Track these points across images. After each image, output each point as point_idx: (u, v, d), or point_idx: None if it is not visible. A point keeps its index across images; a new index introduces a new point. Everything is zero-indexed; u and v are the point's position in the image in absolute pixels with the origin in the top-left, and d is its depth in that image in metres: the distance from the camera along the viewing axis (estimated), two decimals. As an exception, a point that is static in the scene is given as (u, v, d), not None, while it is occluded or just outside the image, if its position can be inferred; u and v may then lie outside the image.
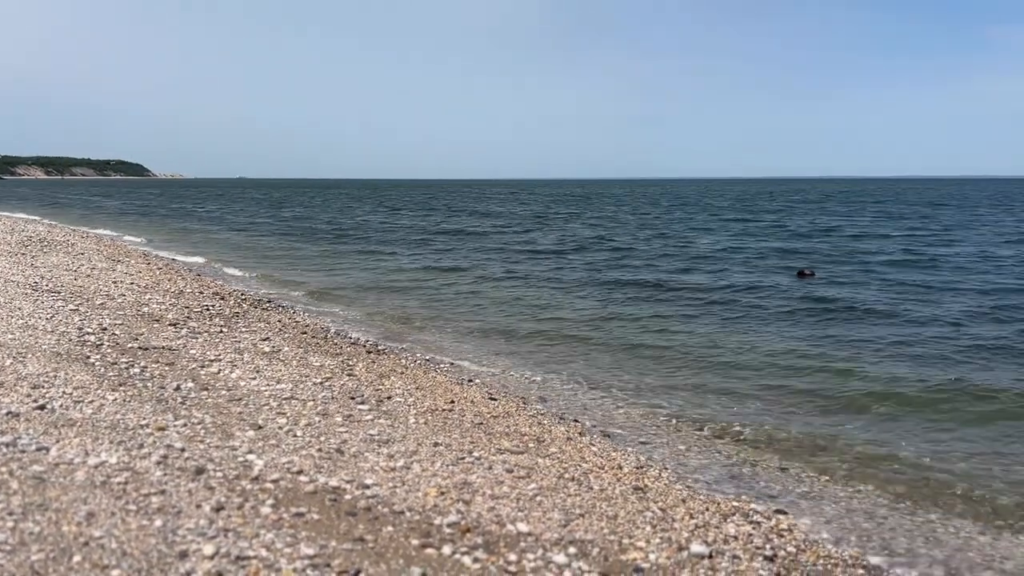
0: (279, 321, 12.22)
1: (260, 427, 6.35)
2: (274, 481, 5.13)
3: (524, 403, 8.88)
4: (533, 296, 17.27)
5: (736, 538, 5.26)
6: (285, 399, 7.36)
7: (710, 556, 4.84)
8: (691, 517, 5.55)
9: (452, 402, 8.22)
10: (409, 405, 7.82)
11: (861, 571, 5.08)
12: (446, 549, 4.42)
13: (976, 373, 10.32)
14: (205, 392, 7.28)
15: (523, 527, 4.88)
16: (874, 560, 5.36)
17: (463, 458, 6.18)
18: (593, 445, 7.29)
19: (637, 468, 6.70)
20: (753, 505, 6.09)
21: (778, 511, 6.04)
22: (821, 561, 5.12)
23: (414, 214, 54.22)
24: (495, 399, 8.76)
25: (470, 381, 9.74)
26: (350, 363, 9.60)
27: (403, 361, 10.37)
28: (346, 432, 6.51)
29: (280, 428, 6.40)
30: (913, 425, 8.32)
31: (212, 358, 8.76)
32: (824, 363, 10.96)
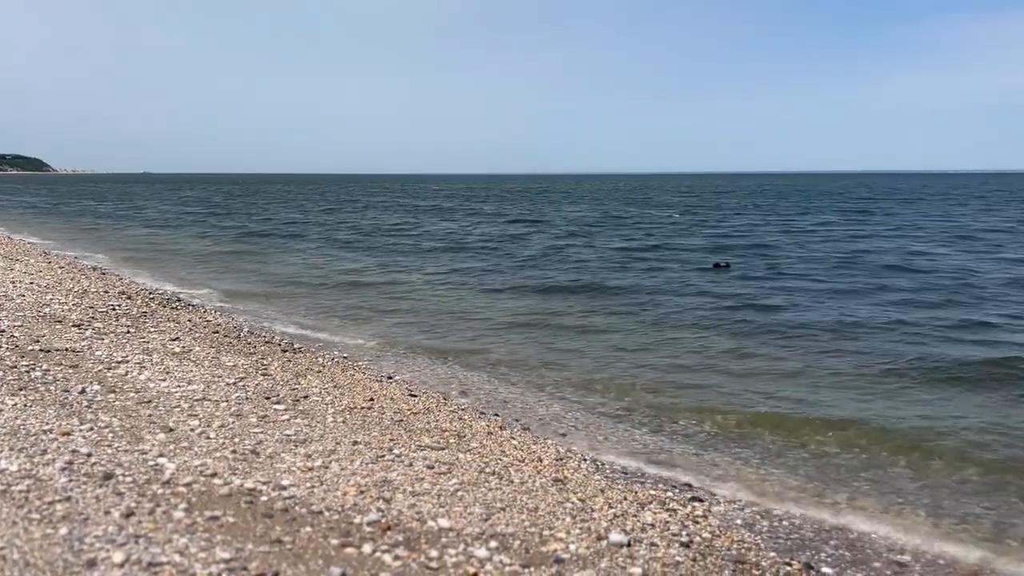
0: (189, 320, 11.87)
1: (171, 430, 6.17)
2: (187, 485, 4.98)
3: (445, 399, 8.85)
4: (453, 293, 17.24)
5: (653, 526, 5.37)
6: (197, 400, 7.16)
7: (628, 544, 4.93)
8: (610, 507, 5.63)
9: (371, 400, 8.14)
10: (327, 404, 7.71)
11: (773, 554, 5.24)
12: (366, 548, 4.38)
13: (879, 360, 10.76)
14: (112, 395, 7.02)
15: (444, 523, 4.88)
16: (785, 542, 5.54)
17: (383, 456, 6.13)
18: (514, 439, 7.32)
19: (557, 460, 6.76)
20: (670, 493, 6.22)
21: (694, 498, 6.18)
22: (735, 545, 5.26)
23: (330, 210, 53.43)
24: (415, 395, 8.71)
25: (390, 378, 9.66)
26: (265, 362, 9.41)
27: (320, 359, 10.21)
28: (262, 433, 6.38)
29: (192, 430, 6.23)
30: (821, 412, 8.61)
31: (119, 359, 8.46)
32: (738, 355, 11.26)
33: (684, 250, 25.26)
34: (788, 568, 5.00)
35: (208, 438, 6.06)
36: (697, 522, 5.62)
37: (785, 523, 5.93)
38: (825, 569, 5.14)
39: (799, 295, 16.28)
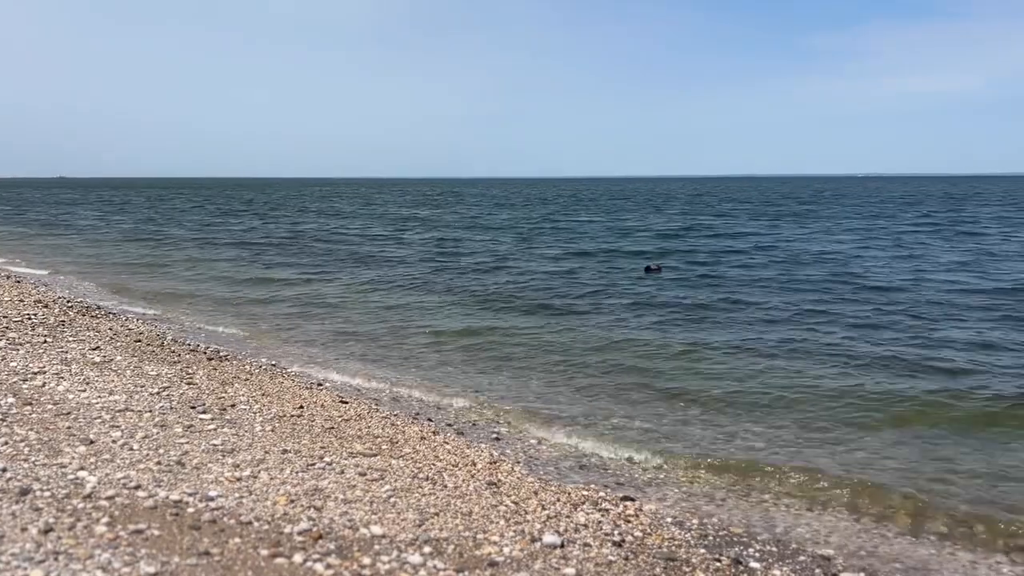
0: (110, 329, 11.51)
1: (92, 442, 5.97)
2: (109, 498, 4.83)
3: (377, 405, 8.78)
4: (385, 300, 17.07)
5: (586, 526, 5.41)
6: (119, 411, 6.94)
7: (562, 545, 4.96)
8: (543, 508, 5.66)
9: (301, 407, 8.01)
10: (255, 412, 7.56)
11: (703, 550, 5.34)
12: (297, 557, 4.31)
13: (804, 362, 11.06)
14: (29, 407, 6.76)
15: (377, 530, 4.83)
16: (714, 539, 5.66)
17: (314, 464, 6.05)
18: (447, 443, 7.30)
19: (491, 463, 6.77)
20: (602, 493, 6.29)
21: (625, 498, 6.26)
22: (666, 543, 5.35)
23: (259, 215, 52.48)
24: (346, 402, 8.61)
25: (320, 385, 9.53)
26: (190, 371, 9.18)
27: (247, 367, 10.01)
28: (187, 443, 6.22)
29: (114, 442, 6.03)
30: (747, 413, 8.80)
31: (35, 370, 8.15)
32: (671, 354, 11.44)
33: (620, 255, 25.45)
34: (718, 564, 5.10)
35: (131, 450, 5.88)
36: (629, 521, 5.69)
37: (714, 519, 6.05)
38: (753, 564, 5.25)
39: (727, 293, 16.61)
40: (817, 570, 5.30)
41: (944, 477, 6.94)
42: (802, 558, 5.47)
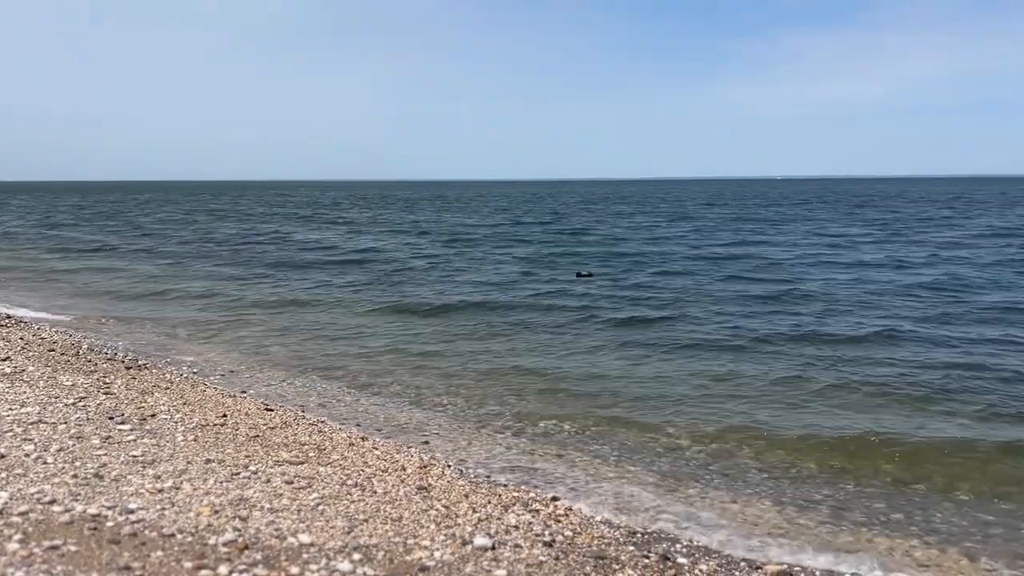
0: (22, 339, 11.05)
1: (2, 456, 5.72)
2: (22, 514, 4.63)
3: (303, 411, 8.64)
4: (311, 305, 16.80)
5: (517, 527, 5.43)
6: (32, 424, 6.67)
7: (493, 547, 4.96)
8: (474, 511, 5.65)
9: (224, 416, 7.83)
10: (176, 422, 7.36)
11: (632, 548, 5.41)
12: (222, 569, 4.21)
13: (730, 358, 11.32)
14: (-68, 422, 6.44)
15: (305, 538, 4.75)
16: (643, 536, 5.74)
17: (238, 473, 5.91)
18: (376, 449, 7.23)
19: (421, 468, 6.73)
20: (532, 494, 6.32)
21: (555, 497, 6.30)
22: (596, 542, 5.40)
23: (180, 220, 51.08)
24: (272, 409, 8.45)
25: (243, 392, 9.33)
26: (107, 381, 8.88)
27: (168, 376, 9.73)
28: (105, 455, 6.01)
29: (27, 456, 5.79)
30: (673, 409, 8.97)
31: (-60, 384, 7.77)
32: (597, 357, 11.57)
33: (552, 259, 25.53)
34: (646, 561, 5.18)
35: (46, 463, 5.65)
36: (559, 521, 5.73)
37: (642, 516, 6.14)
38: (681, 560, 5.34)
39: (653, 299, 16.89)
40: (743, 563, 5.42)
41: (862, 463, 7.19)
42: (728, 552, 5.60)
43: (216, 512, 5.03)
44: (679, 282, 19.41)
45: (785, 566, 5.42)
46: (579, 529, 5.61)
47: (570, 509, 6.06)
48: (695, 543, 5.71)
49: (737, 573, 5.24)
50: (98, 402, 7.76)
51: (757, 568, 5.37)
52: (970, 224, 39.73)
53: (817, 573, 5.38)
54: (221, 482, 5.64)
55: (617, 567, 4.99)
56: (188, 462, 6.06)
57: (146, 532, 4.59)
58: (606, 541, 5.46)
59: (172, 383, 9.28)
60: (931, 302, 15.87)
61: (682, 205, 69.72)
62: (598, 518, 6.01)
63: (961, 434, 8.04)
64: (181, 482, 5.55)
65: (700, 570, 5.21)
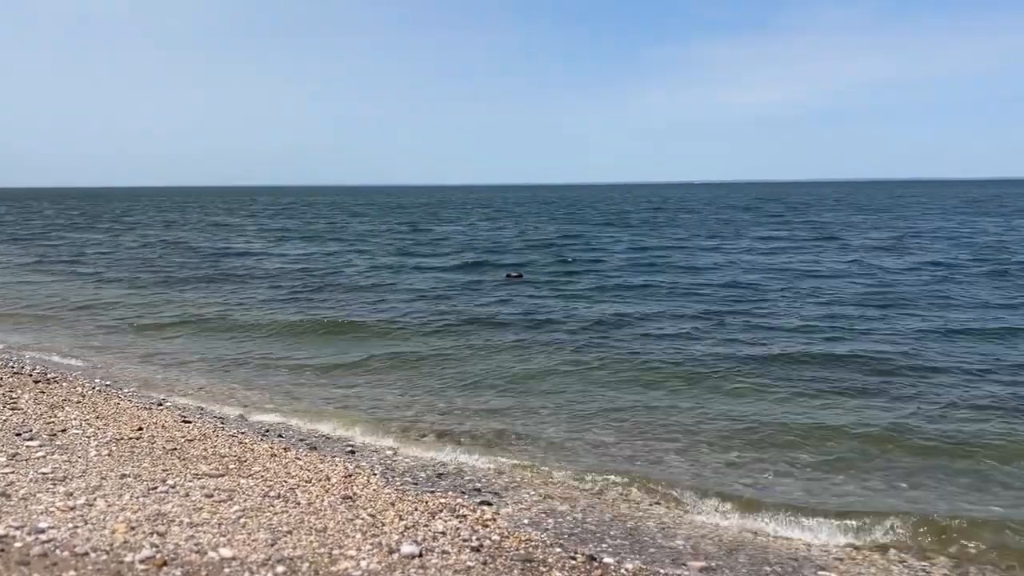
0: (-81, 354, 10.50)
1: (-102, 478, 5.42)
2: (-80, 539, 4.40)
3: (223, 423, 8.44)
4: (226, 314, 16.39)
5: (444, 533, 5.41)
6: (-69, 443, 6.34)
7: (420, 555, 4.93)
8: (401, 519, 5.61)
9: (140, 429, 7.59)
10: (89, 437, 7.10)
11: (559, 550, 5.44)
12: (140, 587, 4.08)
13: (648, 354, 11.50)
14: None
15: (226, 552, 4.64)
16: (570, 537, 5.78)
17: (156, 488, 5.74)
18: (299, 459, 7.11)
19: (346, 477, 6.64)
20: (460, 500, 6.30)
21: (483, 503, 6.30)
22: (523, 545, 5.41)
23: (84, 227, 49.27)
24: (190, 422, 8.22)
25: (160, 405, 9.06)
26: (13, 395, 8.51)
27: (80, 389, 9.38)
28: (13, 473, 5.76)
29: (-74, 477, 5.51)
30: (597, 407, 9.06)
31: None
32: (523, 360, 11.59)
33: (480, 263, 25.48)
34: (573, 562, 5.22)
35: (-54, 484, 5.39)
36: (486, 525, 5.73)
37: (569, 517, 6.19)
38: (607, 559, 5.40)
39: (578, 299, 17.02)
40: (667, 560, 5.51)
41: (783, 465, 7.39)
42: (652, 550, 5.68)
43: (132, 528, 4.87)
44: (609, 283, 19.63)
45: (705, 563, 5.54)
46: (506, 533, 5.62)
47: (498, 513, 6.07)
48: (621, 542, 5.77)
49: (663, 571, 5.32)
50: (4, 418, 7.44)
51: (682, 565, 5.47)
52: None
53: (743, 570, 5.50)
54: (137, 497, 5.47)
55: (544, 569, 5.02)
56: (102, 478, 5.85)
57: (57, 552, 4.42)
58: (534, 544, 5.48)
59: (84, 396, 8.95)
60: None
61: (595, 211, 70.55)
62: (525, 521, 6.03)
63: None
64: (95, 499, 5.35)
65: (626, 569, 5.28)
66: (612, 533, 5.94)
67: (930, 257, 24.69)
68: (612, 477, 7.06)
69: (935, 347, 11.88)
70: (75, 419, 7.71)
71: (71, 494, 5.41)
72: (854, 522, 6.12)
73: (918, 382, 9.96)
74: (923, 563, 5.61)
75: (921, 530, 5.96)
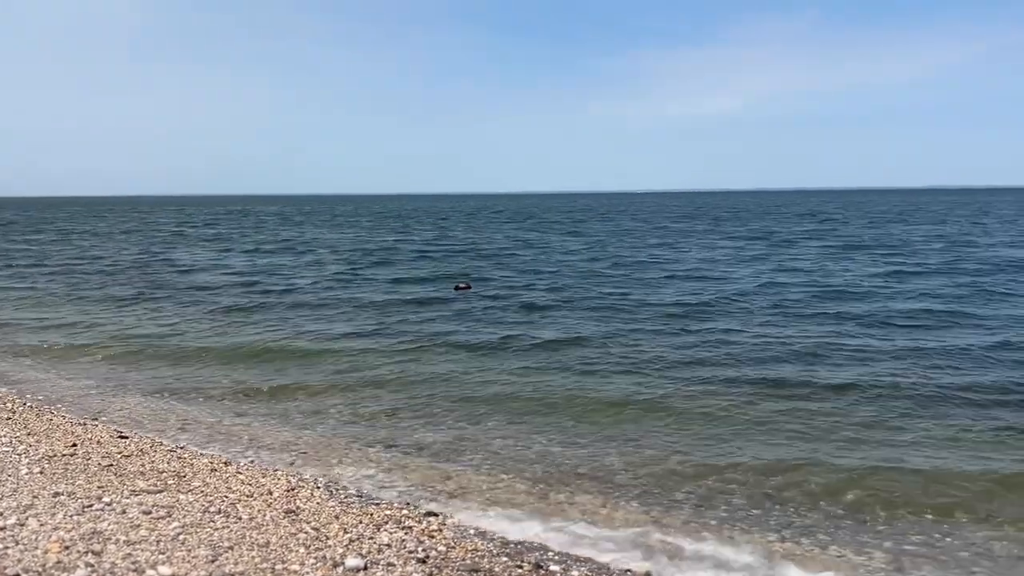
0: None
1: None
2: None
3: (161, 438, 8.24)
4: (168, 326, 16.01)
5: (390, 545, 5.37)
6: None
7: (365, 568, 4.88)
8: (345, 532, 5.55)
9: (75, 445, 7.38)
10: (20, 454, 6.88)
11: (505, 558, 5.44)
12: (74, 608, 3.96)
13: (596, 356, 11.58)
14: None
15: (165, 570, 4.53)
16: (516, 546, 5.78)
17: (91, 505, 5.58)
18: (240, 473, 6.98)
19: (289, 491, 6.54)
20: (405, 511, 6.26)
21: (429, 513, 6.27)
22: (469, 555, 5.40)
23: (7, 238, 47.77)
24: (126, 437, 8.02)
25: (95, 420, 8.82)
26: (-60, 413, 8.20)
27: (10, 405, 9.09)
28: (-62, 494, 5.55)
29: None
30: (543, 424, 9.03)
31: None
32: (468, 370, 11.56)
33: (431, 275, 25.34)
34: (519, 570, 5.22)
35: None
36: (433, 536, 5.70)
37: (515, 526, 6.18)
38: (553, 567, 5.42)
39: (526, 311, 17.05)
40: (613, 567, 5.55)
41: (728, 467, 7.50)
42: (598, 557, 5.71)
43: (66, 548, 4.72)
44: (557, 294, 19.71)
45: (650, 568, 5.59)
46: (453, 543, 5.60)
47: (444, 524, 6.05)
48: (566, 550, 5.79)
49: (607, 576, 5.36)
50: (-72, 437, 7.16)
51: (627, 571, 5.51)
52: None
53: (687, 573, 5.57)
54: (72, 516, 5.31)
55: (491, 578, 5.01)
56: (34, 496, 5.67)
57: (-14, 575, 4.26)
58: (480, 554, 5.47)
59: (15, 412, 8.67)
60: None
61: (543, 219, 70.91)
62: (472, 531, 6.02)
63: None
64: (26, 518, 5.18)
65: (572, 575, 5.30)
66: (558, 540, 5.95)
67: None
68: (558, 486, 7.09)
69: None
70: (5, 436, 7.46)
71: (1, 514, 5.23)
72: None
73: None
74: (860, 562, 5.73)
75: (858, 530, 6.09)
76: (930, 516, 6.44)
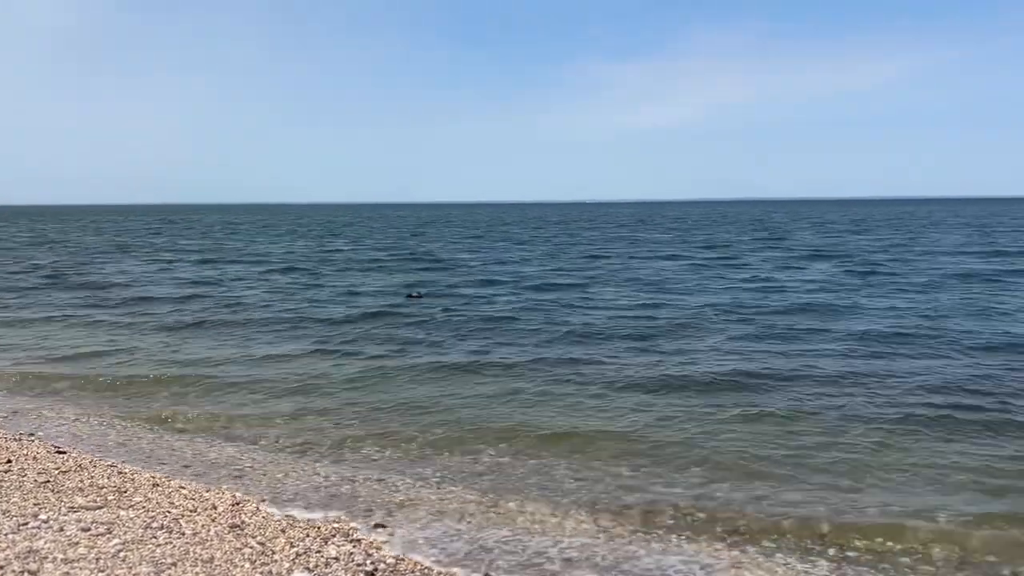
0: None
1: None
2: None
3: (101, 452, 8.03)
4: (105, 335, 15.64)
5: (338, 559, 5.30)
6: None
7: (313, 581, 4.82)
8: (292, 546, 5.47)
9: (9, 461, 7.16)
10: (-49, 472, 6.64)
11: (456, 569, 5.42)
12: (9, 630, 3.83)
13: (542, 372, 11.61)
14: None
15: (105, 588, 4.42)
16: (466, 556, 5.75)
17: (27, 523, 5.42)
18: (184, 488, 6.84)
19: (233, 505, 6.42)
20: (353, 523, 6.19)
21: (377, 525, 6.21)
22: (418, 567, 5.37)
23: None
24: (64, 452, 7.80)
25: (31, 435, 8.55)
26: None
27: (-61, 421, 8.77)
28: None
29: None
30: (492, 433, 9.00)
31: None
32: (416, 380, 11.50)
33: (389, 285, 25.11)
34: (469, 580, 5.20)
35: None
36: (381, 549, 5.65)
37: (465, 536, 6.15)
38: (503, 576, 5.41)
39: (476, 319, 17.02)
40: (562, 574, 5.56)
41: (669, 476, 7.58)
42: (548, 567, 5.71)
43: (0, 568, 4.57)
44: (503, 304, 19.74)
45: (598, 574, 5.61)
46: (402, 555, 5.56)
47: (393, 535, 5.99)
48: (517, 559, 5.78)
49: (557, 585, 5.36)
50: None
51: (576, 578, 5.52)
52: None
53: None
54: (6, 534, 5.15)
55: (441, 589, 4.98)
56: (-35, 516, 5.48)
57: (-86, 598, 4.10)
58: (428, 565, 5.43)
59: (-56, 430, 8.37)
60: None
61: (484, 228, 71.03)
62: (421, 541, 5.97)
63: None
64: (-43, 539, 5.01)
65: (522, 585, 5.30)
66: (507, 550, 5.93)
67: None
68: (508, 494, 7.08)
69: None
70: (-66, 454, 7.20)
71: (-70, 535, 5.05)
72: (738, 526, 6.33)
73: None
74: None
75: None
76: (871, 521, 6.59)
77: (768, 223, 75.35)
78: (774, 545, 6.12)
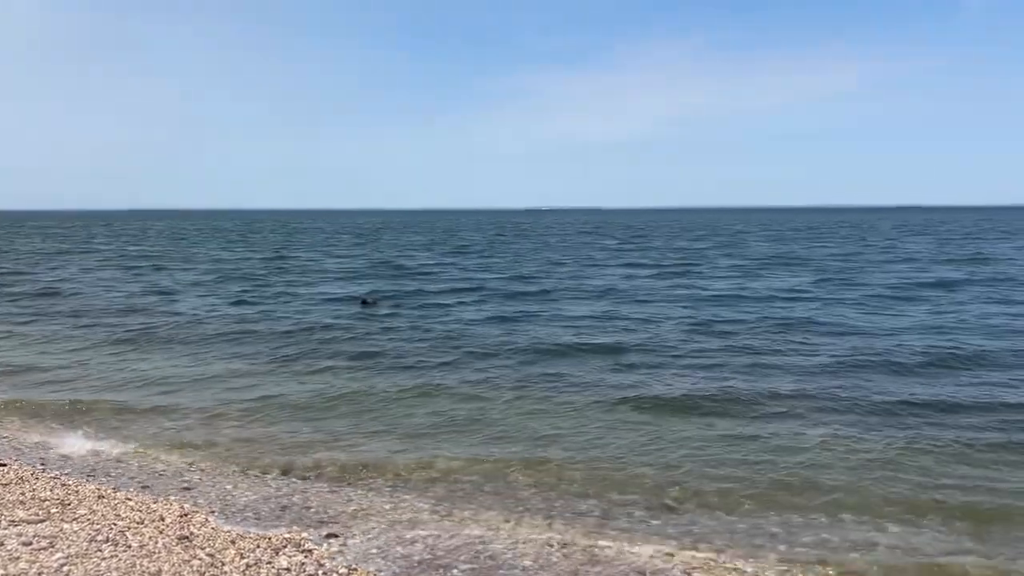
0: None
1: None
2: None
3: (44, 464, 7.82)
4: (50, 345, 15.23)
5: (289, 570, 5.23)
6: None
7: (264, 593, 4.75)
8: (242, 557, 5.38)
9: (-54, 475, 6.93)
10: None
11: (411, 577, 5.38)
12: (-55, 650, 3.70)
13: (495, 377, 11.60)
14: None
15: (47, 604, 4.30)
16: (420, 563, 5.70)
17: (-36, 538, 5.25)
18: (130, 500, 6.69)
19: (182, 516, 6.30)
20: (305, 534, 6.10)
21: (329, 535, 6.13)
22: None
23: None
24: (4, 464, 7.58)
25: (-30, 448, 8.29)
26: None
27: None
28: None
29: None
30: (445, 440, 8.98)
31: None
32: (370, 388, 11.38)
33: (342, 292, 24.82)
34: (423, 589, 5.16)
35: None
36: (333, 558, 5.59)
37: (419, 545, 6.11)
38: (458, 583, 5.38)
39: (430, 326, 16.94)
40: (516, 581, 5.56)
41: (628, 477, 7.63)
42: (502, 572, 5.70)
43: (-65, 586, 4.43)
44: (454, 313, 19.68)
45: (556, 580, 5.62)
46: (354, 565, 5.50)
47: (345, 545, 5.93)
48: (471, 566, 5.75)
49: (512, 592, 5.35)
50: None
51: (531, 584, 5.52)
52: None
53: (586, 583, 5.61)
54: (-59, 551, 4.98)
55: (394, 599, 4.94)
56: (-102, 532, 5.29)
57: None
58: (383, 574, 5.39)
59: None
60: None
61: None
62: (374, 550, 5.92)
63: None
64: None
65: (477, 592, 5.28)
66: (462, 559, 5.91)
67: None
68: (462, 501, 7.06)
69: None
70: None
71: None
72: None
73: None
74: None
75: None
76: (823, 519, 6.72)
77: (719, 229, 76.42)
78: (732, 548, 6.19)
